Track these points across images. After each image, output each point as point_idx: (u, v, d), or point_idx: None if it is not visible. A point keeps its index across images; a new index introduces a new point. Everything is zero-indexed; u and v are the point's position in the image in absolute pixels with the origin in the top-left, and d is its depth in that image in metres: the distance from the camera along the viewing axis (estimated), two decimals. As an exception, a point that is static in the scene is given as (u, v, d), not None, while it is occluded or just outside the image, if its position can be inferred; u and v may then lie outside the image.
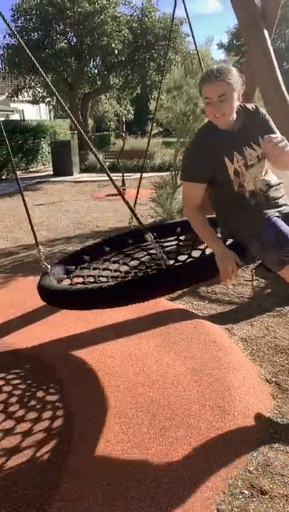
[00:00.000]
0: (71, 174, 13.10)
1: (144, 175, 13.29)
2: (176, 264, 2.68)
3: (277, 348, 2.71)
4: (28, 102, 17.46)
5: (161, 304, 3.47)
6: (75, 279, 2.64)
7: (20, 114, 21.50)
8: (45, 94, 16.92)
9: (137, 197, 3.44)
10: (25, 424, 2.06)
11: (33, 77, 15.81)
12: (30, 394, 2.30)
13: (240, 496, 1.65)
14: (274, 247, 1.77)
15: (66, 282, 2.55)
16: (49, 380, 2.41)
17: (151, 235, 2.05)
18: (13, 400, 2.26)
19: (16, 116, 20.09)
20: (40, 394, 2.29)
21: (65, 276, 2.63)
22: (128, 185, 10.01)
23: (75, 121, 2.36)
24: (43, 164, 16.07)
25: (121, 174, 9.79)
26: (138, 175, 12.31)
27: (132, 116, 20.81)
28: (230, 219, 2.03)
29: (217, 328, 3.02)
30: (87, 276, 2.62)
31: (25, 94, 16.81)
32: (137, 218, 2.07)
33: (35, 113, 22.09)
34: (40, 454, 1.87)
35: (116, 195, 9.38)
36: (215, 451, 1.85)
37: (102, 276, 2.63)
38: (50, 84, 2.53)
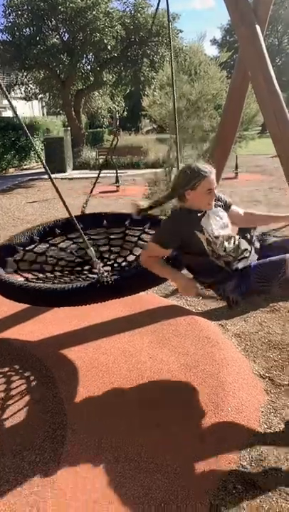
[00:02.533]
0: (64, 171, 13.06)
1: (138, 171, 13.36)
2: (113, 271, 2.78)
3: (270, 343, 2.72)
4: (21, 98, 17.34)
5: (155, 300, 3.47)
6: (21, 264, 2.74)
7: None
8: (37, 90, 16.82)
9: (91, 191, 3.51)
10: (18, 421, 2.05)
11: (25, 74, 15.70)
12: (23, 391, 2.29)
13: (234, 491, 1.65)
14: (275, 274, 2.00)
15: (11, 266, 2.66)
16: (42, 377, 2.41)
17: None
18: (6, 397, 2.25)
19: (8, 113, 19.95)
20: (33, 391, 2.28)
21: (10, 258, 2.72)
22: (122, 182, 10.00)
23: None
24: (36, 161, 15.99)
25: (115, 171, 9.76)
26: (133, 171, 12.33)
27: (126, 113, 20.75)
28: (210, 277, 2.24)
29: (211, 324, 3.03)
30: (32, 262, 2.77)
31: (18, 91, 16.70)
32: (68, 211, 2.18)
33: (28, 110, 21.95)
34: (33, 451, 1.86)
35: (110, 192, 9.36)
36: (208, 446, 1.86)
37: (47, 265, 2.79)
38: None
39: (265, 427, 2.00)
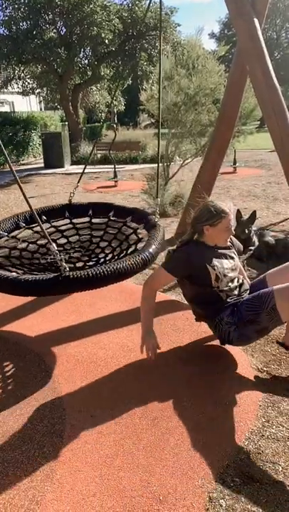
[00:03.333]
0: (62, 166, 13.01)
1: (136, 166, 13.34)
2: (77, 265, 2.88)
3: (268, 337, 2.72)
4: (18, 93, 17.23)
5: (154, 295, 3.47)
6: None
7: (10, 105, 21.24)
8: (34, 85, 16.71)
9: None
10: (16, 416, 2.06)
11: (22, 68, 15.59)
12: (21, 386, 2.29)
13: (232, 484, 1.67)
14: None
15: None
16: (41, 372, 2.41)
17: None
18: (4, 392, 2.25)
19: (5, 108, 19.85)
20: (31, 386, 2.29)
21: None
22: (120, 177, 9.97)
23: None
24: (34, 156, 15.93)
25: (113, 166, 9.73)
26: (131, 166, 12.30)
27: (124, 108, 20.65)
28: (207, 307, 2.44)
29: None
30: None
31: (15, 86, 16.59)
32: (29, 205, 2.19)
33: (25, 104, 21.83)
34: (31, 445, 1.87)
35: (108, 187, 9.34)
36: (206, 440, 1.87)
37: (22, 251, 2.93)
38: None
39: (263, 420, 2.01)
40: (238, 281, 2.45)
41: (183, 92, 5.79)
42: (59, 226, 3.31)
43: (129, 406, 2.09)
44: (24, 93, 16.97)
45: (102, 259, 2.97)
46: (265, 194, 7.61)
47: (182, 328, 2.84)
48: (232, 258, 2.49)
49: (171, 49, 13.48)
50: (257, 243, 4.38)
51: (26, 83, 16.53)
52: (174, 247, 2.55)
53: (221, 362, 2.46)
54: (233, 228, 2.45)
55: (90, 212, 3.34)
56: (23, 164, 14.77)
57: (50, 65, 14.59)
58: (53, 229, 3.27)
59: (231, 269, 2.44)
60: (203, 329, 2.81)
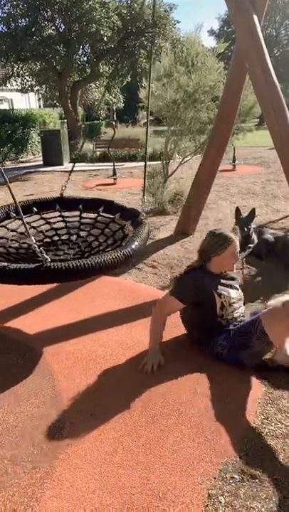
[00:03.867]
0: (61, 164, 12.98)
1: (135, 164, 13.29)
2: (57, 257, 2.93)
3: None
4: (17, 90, 17.17)
5: (152, 292, 3.47)
6: None
7: (9, 103, 21.17)
8: (33, 82, 16.65)
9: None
10: (16, 414, 2.06)
11: (21, 65, 15.54)
12: (21, 384, 2.29)
13: (231, 481, 1.67)
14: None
15: None
16: (40, 370, 2.41)
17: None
18: (4, 389, 2.26)
19: (4, 106, 19.79)
20: (31, 384, 2.29)
21: None
22: (119, 174, 9.95)
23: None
24: (33, 154, 15.88)
25: (112, 163, 9.71)
26: (130, 164, 12.28)
27: (123, 105, 20.61)
28: (205, 332, 2.50)
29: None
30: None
31: (14, 83, 16.53)
32: (13, 198, 2.36)
33: (24, 102, 21.76)
34: (31, 443, 1.87)
35: (107, 184, 9.32)
36: (206, 437, 1.87)
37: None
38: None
39: (262, 417, 2.02)
40: (241, 311, 2.55)
41: (182, 89, 5.77)
42: (49, 218, 3.36)
43: (128, 403, 2.09)
44: (23, 90, 16.92)
45: (87, 254, 3.02)
46: (265, 192, 7.61)
47: (181, 325, 2.83)
48: (237, 289, 2.58)
49: (171, 46, 13.44)
50: (256, 241, 4.38)
51: (25, 80, 16.47)
52: (181, 273, 2.62)
53: (221, 359, 2.46)
54: (237, 251, 2.51)
55: (81, 206, 3.37)
56: (22, 162, 14.73)
57: (49, 62, 14.54)
58: (42, 221, 3.32)
59: (237, 299, 2.54)
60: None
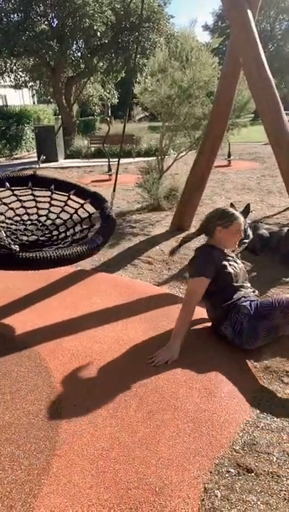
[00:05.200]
0: (56, 160, 12.93)
1: (131, 160, 13.27)
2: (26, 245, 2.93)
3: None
4: (11, 86, 17.05)
5: (148, 288, 3.48)
6: None
7: (2, 99, 21.02)
8: (27, 78, 16.53)
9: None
10: (12, 411, 2.06)
11: (14, 61, 15.42)
12: (17, 381, 2.29)
13: (227, 475, 1.68)
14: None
15: None
16: (36, 366, 2.41)
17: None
18: (1, 386, 2.25)
19: (-2, 102, 19.63)
20: (27, 380, 2.29)
21: None
22: (114, 171, 9.93)
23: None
24: (28, 150, 15.81)
25: (107, 160, 9.68)
26: (125, 160, 12.24)
27: (117, 101, 20.52)
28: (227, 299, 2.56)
29: (204, 311, 3.04)
30: None
31: (7, 79, 16.41)
32: None
33: (18, 98, 21.61)
34: (27, 440, 1.87)
35: (102, 181, 9.30)
36: (202, 432, 1.88)
37: None
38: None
39: (258, 411, 2.03)
40: (248, 284, 2.67)
41: (176, 84, 5.75)
42: (20, 196, 3.34)
43: (124, 399, 2.10)
44: (16, 86, 16.80)
45: (54, 237, 3.04)
46: (260, 187, 7.62)
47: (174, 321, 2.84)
48: (238, 262, 2.69)
49: (165, 41, 13.38)
50: (251, 236, 4.39)
51: (18, 76, 16.35)
52: (195, 254, 2.67)
53: (216, 354, 2.48)
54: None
55: (52, 186, 3.36)
56: (17, 158, 14.65)
57: (43, 57, 14.44)
58: (14, 197, 3.30)
59: (241, 269, 2.65)
60: (199, 321, 2.82)
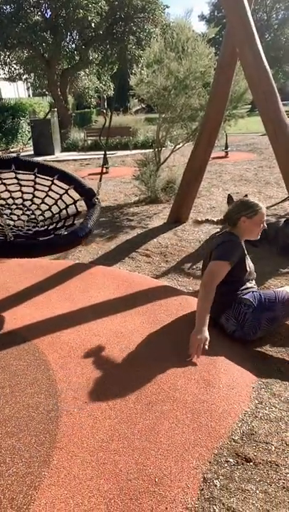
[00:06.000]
0: (52, 153, 12.86)
1: (127, 152, 13.19)
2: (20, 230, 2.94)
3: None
4: (5, 79, 16.89)
5: (146, 281, 3.48)
6: None
7: (-3, 92, 20.82)
8: (21, 71, 16.37)
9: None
10: (12, 404, 2.07)
11: (7, 53, 15.26)
12: (16, 374, 2.30)
13: (226, 465, 1.70)
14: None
15: None
16: (35, 360, 2.42)
17: None
18: (0, 380, 2.26)
19: (-7, 95, 19.45)
20: (26, 374, 2.29)
21: None
22: (111, 163, 9.89)
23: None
24: (24, 144, 15.69)
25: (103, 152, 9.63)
26: (122, 153, 12.19)
27: (113, 93, 20.34)
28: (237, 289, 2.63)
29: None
30: None
31: (1, 72, 16.25)
32: None
33: (12, 91, 21.43)
34: (27, 433, 1.88)
35: (99, 174, 9.26)
36: (201, 422, 1.89)
37: None
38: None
39: (256, 402, 2.05)
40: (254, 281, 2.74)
41: (173, 75, 5.71)
42: (4, 179, 3.30)
43: (123, 391, 2.11)
44: (11, 79, 16.63)
45: (40, 223, 3.03)
46: (257, 178, 7.60)
47: (175, 313, 2.85)
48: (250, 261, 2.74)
49: (160, 32, 13.24)
50: (249, 227, 4.38)
51: (13, 69, 16.18)
52: (221, 239, 2.66)
53: (214, 346, 2.48)
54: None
55: (36, 170, 3.34)
56: (13, 152, 14.55)
57: (37, 49, 14.28)
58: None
59: (253, 268, 2.73)
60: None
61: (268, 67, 3.54)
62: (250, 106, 6.23)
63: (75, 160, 11.55)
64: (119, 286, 3.36)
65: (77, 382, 2.20)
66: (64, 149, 13.75)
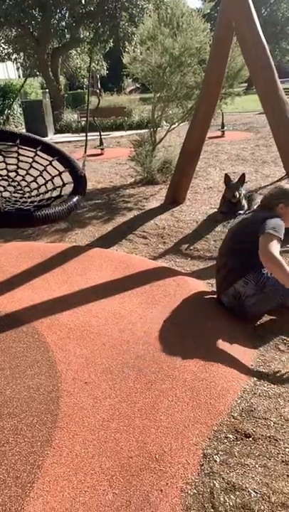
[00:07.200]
0: (45, 135, 12.65)
1: (123, 133, 13.01)
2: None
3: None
4: (-7, 59, 16.44)
5: (144, 263, 3.47)
6: None
7: (-14, 73, 20.32)
8: (10, 50, 15.91)
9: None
10: (13, 386, 2.08)
11: (-4, 32, 14.81)
12: (16, 356, 2.31)
13: (225, 440, 1.72)
14: None
15: None
16: (34, 341, 2.42)
17: None
18: (0, 362, 2.27)
19: (-17, 76, 18.99)
20: (26, 356, 2.30)
21: None
22: (106, 144, 9.76)
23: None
24: (16, 126, 15.42)
25: (98, 133, 9.48)
26: (117, 133, 12.02)
27: (106, 72, 19.95)
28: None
29: (200, 283, 3.06)
30: None
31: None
32: None
33: (2, 72, 20.91)
34: (29, 413, 1.90)
35: (94, 155, 9.14)
36: (200, 400, 1.92)
37: None
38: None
39: (255, 379, 2.07)
40: None
41: (167, 52, 5.57)
42: None
43: (123, 371, 2.12)
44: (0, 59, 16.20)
45: (27, 194, 3.00)
46: (254, 157, 7.53)
47: (173, 294, 2.86)
48: None
49: (154, 7, 12.88)
50: (246, 207, 4.37)
51: (1, 48, 15.74)
52: (264, 214, 2.63)
53: (213, 325, 2.50)
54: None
55: (18, 141, 3.29)
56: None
57: (26, 28, 13.86)
58: None
59: None
60: (194, 294, 2.84)
61: (265, 42, 3.46)
62: (246, 84, 6.11)
63: (69, 142, 11.39)
64: (116, 268, 3.35)
65: (76, 363, 2.21)
66: (57, 131, 13.53)
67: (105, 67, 19.11)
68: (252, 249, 2.48)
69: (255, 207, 4.12)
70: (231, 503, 1.47)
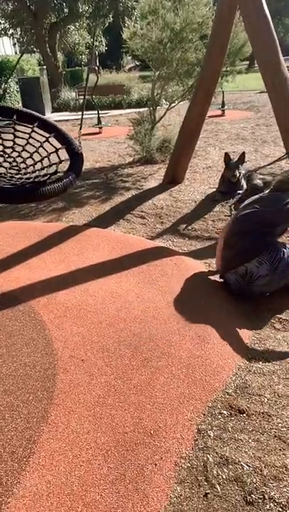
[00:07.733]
0: (43, 114, 12.42)
1: (122, 111, 12.77)
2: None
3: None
4: (-10, 34, 16.02)
5: (142, 242, 3.45)
6: None
7: (-18, 49, 19.85)
8: (7, 25, 15.47)
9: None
10: (9, 364, 2.09)
11: (-8, 6, 14.38)
12: (12, 335, 2.31)
13: (220, 416, 1.74)
14: None
15: None
16: (31, 320, 2.43)
17: None
18: (-3, 341, 2.28)
19: (-21, 53, 18.52)
20: (22, 334, 2.31)
21: None
22: (104, 123, 9.60)
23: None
24: (12, 104, 15.13)
25: (96, 112, 9.32)
26: (116, 112, 11.81)
27: (105, 49, 19.48)
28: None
29: (197, 263, 3.05)
30: None
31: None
32: None
33: (-1, 47, 20.42)
34: (25, 390, 1.91)
35: (92, 134, 9.00)
36: (195, 377, 1.93)
37: None
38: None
39: (250, 356, 2.08)
40: None
41: (168, 27, 5.41)
42: None
43: (119, 349, 2.13)
44: (-4, 34, 15.78)
45: (23, 170, 2.97)
46: (254, 137, 7.42)
47: (170, 274, 2.85)
48: None
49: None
50: (245, 187, 4.33)
51: (-3, 24, 15.32)
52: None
53: (209, 304, 2.50)
54: None
55: (15, 117, 3.24)
56: (2, 113, 14.06)
57: (22, 1, 13.45)
58: None
59: None
60: (191, 273, 2.83)
61: (269, 16, 3.36)
62: (248, 62, 5.96)
63: (67, 120, 11.21)
64: (114, 247, 3.34)
65: (73, 341, 2.22)
66: (55, 109, 13.29)
67: (104, 44, 18.64)
68: (267, 229, 2.56)
69: (255, 184, 4.09)
70: (224, 476, 1.49)
